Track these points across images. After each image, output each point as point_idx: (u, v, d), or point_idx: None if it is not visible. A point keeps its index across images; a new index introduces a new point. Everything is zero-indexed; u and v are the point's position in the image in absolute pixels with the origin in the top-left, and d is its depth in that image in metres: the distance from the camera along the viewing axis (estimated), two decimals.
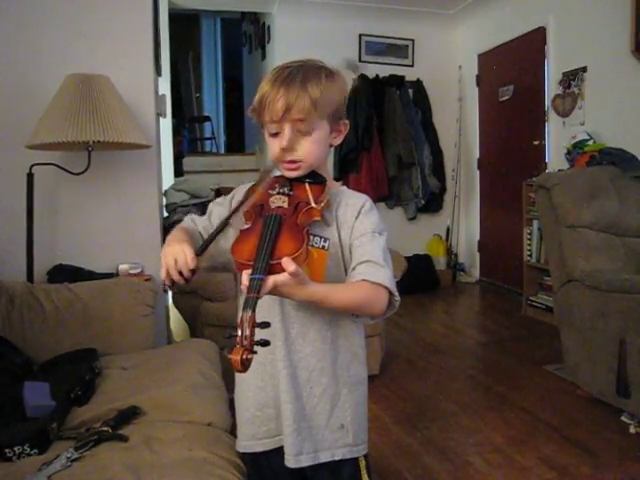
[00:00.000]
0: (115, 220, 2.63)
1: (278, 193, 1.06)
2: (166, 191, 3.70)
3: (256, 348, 0.82)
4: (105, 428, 1.44)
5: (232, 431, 1.58)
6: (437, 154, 5.63)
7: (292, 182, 1.09)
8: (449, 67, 5.76)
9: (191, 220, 1.21)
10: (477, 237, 5.69)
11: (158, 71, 3.10)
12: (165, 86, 4.48)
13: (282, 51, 5.24)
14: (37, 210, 2.33)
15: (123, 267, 2.57)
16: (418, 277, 5.06)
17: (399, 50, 5.61)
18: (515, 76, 5.00)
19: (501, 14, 5.10)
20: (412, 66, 5.63)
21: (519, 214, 4.48)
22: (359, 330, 1.16)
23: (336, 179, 1.11)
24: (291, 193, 1.05)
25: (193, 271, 0.99)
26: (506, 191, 5.14)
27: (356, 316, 1.06)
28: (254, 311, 0.83)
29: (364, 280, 1.00)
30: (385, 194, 5.39)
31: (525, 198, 4.33)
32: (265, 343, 0.82)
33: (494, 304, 4.92)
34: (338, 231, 1.09)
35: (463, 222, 5.82)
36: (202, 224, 1.19)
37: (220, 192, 3.79)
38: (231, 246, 0.98)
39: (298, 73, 1.04)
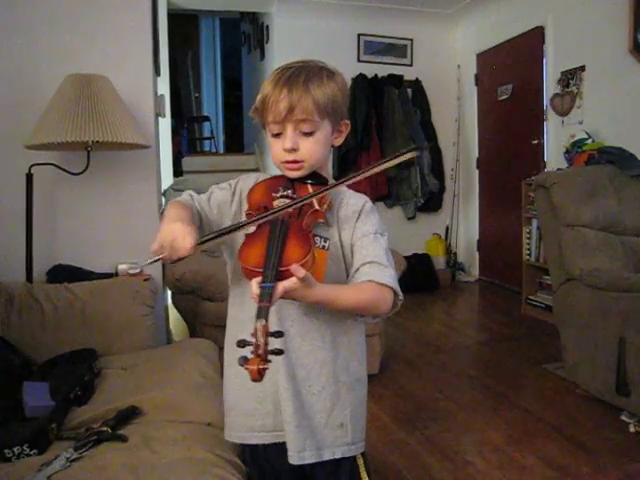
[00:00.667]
0: (114, 220, 2.63)
1: (282, 196, 1.06)
2: (165, 191, 3.70)
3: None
4: (104, 428, 1.43)
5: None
6: (436, 153, 5.64)
7: (294, 183, 1.09)
8: (448, 66, 5.76)
9: (190, 196, 1.17)
10: (476, 236, 5.69)
11: (157, 71, 3.10)
12: (164, 86, 4.47)
13: (281, 51, 5.25)
14: (36, 210, 2.33)
15: (122, 267, 2.57)
16: (417, 276, 5.07)
17: (398, 50, 5.61)
18: (514, 75, 5.00)
19: (500, 13, 5.10)
20: (411, 66, 5.63)
21: (518, 213, 4.48)
22: (359, 329, 1.16)
23: (336, 179, 1.10)
24: (295, 196, 1.05)
25: (185, 256, 0.96)
26: (505, 190, 5.14)
27: (360, 316, 1.06)
28: (267, 320, 0.83)
29: (370, 281, 1.01)
30: (384, 193, 5.39)
31: (524, 197, 4.33)
32: (279, 352, 0.83)
33: (493, 303, 4.92)
34: (339, 231, 1.10)
35: (462, 221, 5.82)
36: (200, 204, 1.15)
37: None
38: (238, 252, 0.98)
39: (300, 74, 1.05)
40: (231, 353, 1.15)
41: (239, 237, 1.06)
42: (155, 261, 0.97)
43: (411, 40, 5.62)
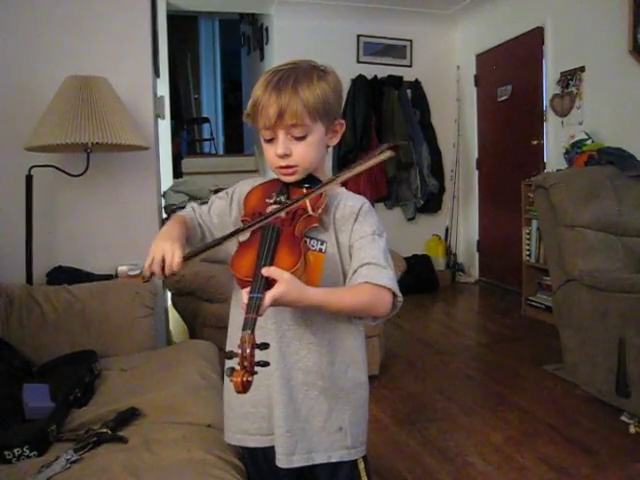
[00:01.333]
0: (114, 221, 2.63)
1: (275, 202, 1.05)
2: (165, 192, 3.70)
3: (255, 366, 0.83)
4: (104, 430, 1.43)
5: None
6: (436, 154, 5.64)
7: (289, 187, 1.08)
8: (447, 67, 5.76)
9: (192, 209, 1.20)
10: (476, 237, 5.69)
11: (156, 72, 3.10)
12: (163, 87, 4.48)
13: (280, 52, 5.25)
14: (36, 212, 2.33)
15: (122, 269, 2.57)
16: (417, 277, 5.07)
17: (397, 50, 5.62)
18: (513, 76, 5.00)
19: (499, 14, 5.10)
20: (410, 66, 5.64)
21: (518, 214, 4.48)
22: (358, 333, 1.15)
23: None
24: (288, 202, 1.04)
25: (175, 272, 1.01)
26: (505, 191, 5.14)
27: (359, 318, 1.05)
28: (253, 332, 0.83)
29: (367, 282, 1.00)
30: (384, 194, 5.39)
31: (524, 198, 4.33)
32: (265, 364, 0.83)
33: (493, 304, 4.92)
34: (336, 234, 1.09)
35: (462, 222, 5.82)
36: (202, 216, 1.19)
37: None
38: (230, 260, 0.98)
39: (289, 77, 1.04)
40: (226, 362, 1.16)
41: (233, 244, 1.08)
42: (150, 277, 1.02)
43: (410, 41, 5.63)
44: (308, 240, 1.05)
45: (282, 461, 1.08)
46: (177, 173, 5.63)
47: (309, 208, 1.02)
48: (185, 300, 2.96)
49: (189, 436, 1.45)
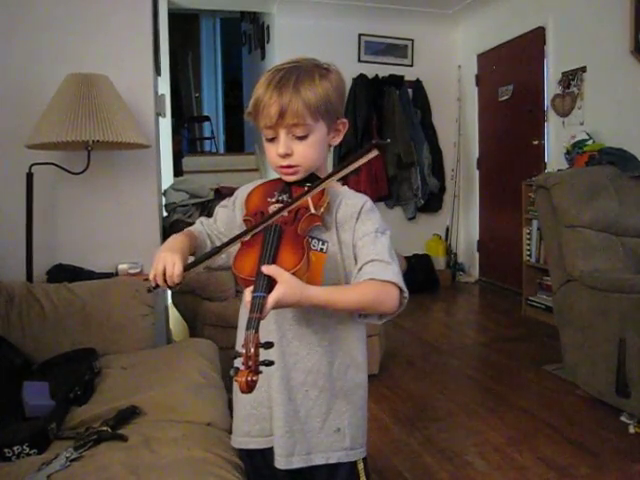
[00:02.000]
0: (114, 220, 2.63)
1: (277, 201, 1.05)
2: (165, 191, 3.70)
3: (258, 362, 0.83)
4: (104, 428, 1.43)
5: (231, 431, 1.58)
6: (436, 154, 5.64)
7: (291, 186, 1.08)
8: (448, 67, 5.76)
9: (200, 223, 1.23)
10: (476, 237, 5.69)
11: (157, 71, 3.10)
12: (164, 86, 4.48)
13: (281, 51, 5.25)
14: (36, 210, 2.33)
15: (122, 267, 2.57)
16: (417, 277, 5.07)
17: (398, 50, 5.61)
18: (514, 76, 5.00)
19: (500, 14, 5.10)
20: (411, 66, 5.63)
21: (518, 214, 4.48)
22: (359, 334, 1.15)
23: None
24: (290, 200, 1.03)
25: (178, 283, 1.03)
26: (505, 191, 5.14)
27: (364, 317, 1.04)
28: (257, 331, 0.83)
29: (372, 279, 0.99)
30: (384, 194, 5.39)
31: (524, 198, 4.33)
32: (270, 363, 0.83)
33: (493, 304, 4.92)
34: (337, 233, 1.08)
35: (462, 222, 5.82)
36: (210, 227, 1.22)
37: (219, 192, 3.78)
38: (233, 260, 0.98)
39: (291, 76, 1.02)
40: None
41: (233, 249, 1.09)
42: (155, 289, 1.05)
43: (412, 40, 5.62)
44: (310, 240, 1.04)
45: (281, 462, 1.08)
46: (178, 171, 5.63)
47: (311, 207, 1.02)
48: (185, 298, 2.97)
49: (189, 434, 1.45)
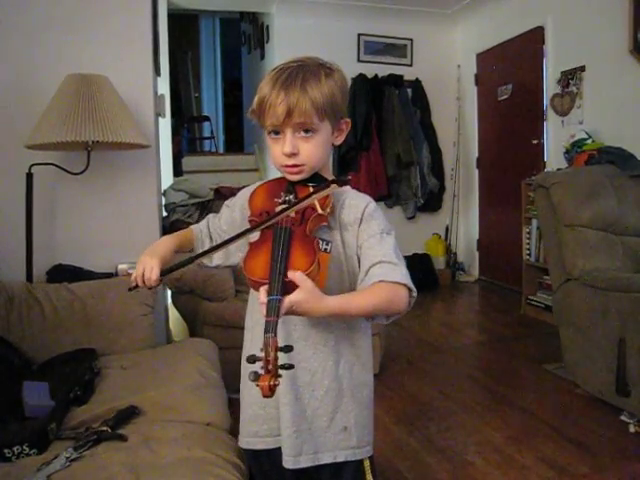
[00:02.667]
0: (114, 220, 2.63)
1: (284, 202, 1.04)
2: (165, 191, 3.70)
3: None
4: (104, 428, 1.43)
5: (231, 431, 1.59)
6: (436, 153, 5.64)
7: (295, 186, 1.07)
8: (448, 66, 5.76)
9: (207, 221, 1.26)
10: (476, 236, 5.69)
11: (157, 71, 3.10)
12: (164, 86, 4.47)
13: (281, 51, 5.24)
14: (36, 210, 2.33)
15: (122, 267, 2.57)
16: (417, 276, 5.06)
17: (398, 50, 5.61)
18: (514, 75, 5.00)
19: (499, 13, 5.10)
20: (411, 65, 5.63)
21: (518, 213, 4.48)
22: (363, 333, 1.15)
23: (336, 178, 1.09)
24: (296, 200, 1.03)
25: (155, 285, 1.09)
26: (505, 190, 5.14)
27: (372, 318, 1.04)
28: (276, 334, 0.83)
29: (382, 281, 0.98)
30: (384, 193, 5.39)
31: (524, 197, 4.33)
32: (290, 367, 0.83)
33: (493, 303, 4.92)
34: (341, 233, 1.08)
35: (462, 221, 5.82)
36: (214, 226, 1.24)
37: (219, 192, 3.78)
38: (243, 262, 0.98)
39: (298, 75, 1.02)
40: (242, 365, 1.18)
41: (230, 250, 1.13)
42: (134, 288, 1.12)
43: (411, 40, 5.62)
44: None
45: (289, 462, 1.09)
46: (177, 171, 5.63)
47: (318, 207, 1.01)
48: (185, 298, 2.96)
49: (189, 434, 1.45)
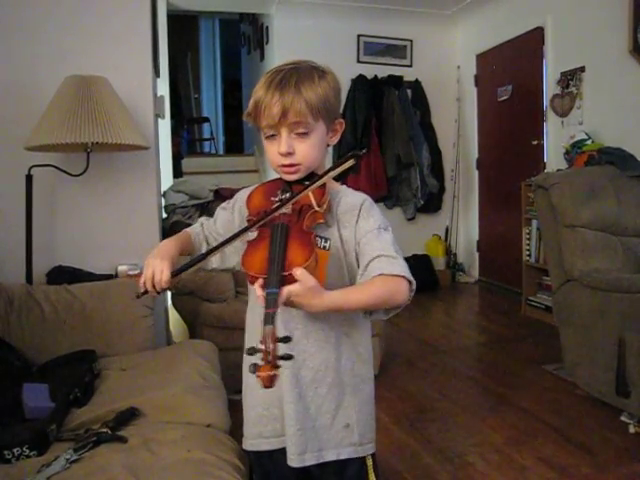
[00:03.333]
0: (114, 221, 2.63)
1: (280, 200, 1.06)
2: (165, 192, 3.70)
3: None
4: (104, 429, 1.44)
5: (231, 432, 1.59)
6: (436, 154, 5.63)
7: (292, 186, 1.09)
8: (447, 67, 5.76)
9: (201, 224, 1.24)
10: (476, 237, 5.69)
11: (157, 72, 3.10)
12: (164, 87, 4.48)
13: (281, 52, 5.24)
14: (36, 211, 2.33)
15: (122, 268, 2.57)
16: (417, 277, 4.96)
17: (397, 50, 5.61)
18: (513, 76, 5.00)
19: (499, 14, 5.10)
20: (410, 66, 5.63)
21: (518, 214, 4.48)
22: (363, 329, 1.16)
23: (335, 179, 1.11)
24: (290, 195, 1.05)
25: (166, 288, 1.04)
26: (505, 191, 5.14)
27: (370, 313, 1.04)
28: (275, 325, 0.83)
29: (381, 274, 0.99)
30: (384, 194, 5.39)
31: (524, 198, 4.33)
32: (289, 357, 0.83)
33: (493, 304, 4.92)
34: (339, 231, 1.09)
35: (462, 222, 5.82)
36: (209, 229, 1.23)
37: (219, 193, 3.79)
38: (241, 258, 0.99)
39: (292, 76, 1.04)
40: (244, 362, 1.17)
41: (226, 252, 1.12)
42: (143, 294, 1.06)
43: (411, 41, 5.62)
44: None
45: (294, 461, 1.09)
46: (177, 173, 5.64)
47: (314, 203, 1.03)
48: (185, 300, 2.96)
49: (189, 436, 1.45)
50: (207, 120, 8.07)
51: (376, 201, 1.19)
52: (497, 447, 2.29)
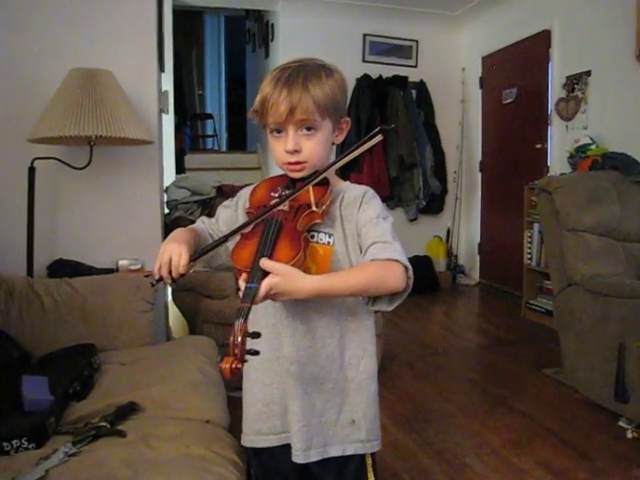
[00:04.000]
0: (116, 216, 2.63)
1: (280, 196, 1.06)
2: (167, 188, 3.70)
3: (257, 347, 0.84)
4: (103, 423, 1.43)
5: (230, 428, 1.58)
6: (439, 155, 5.63)
7: (295, 183, 1.09)
8: (453, 69, 5.75)
9: (202, 222, 1.24)
10: (477, 239, 5.69)
11: (161, 67, 3.09)
12: (168, 82, 4.47)
13: (286, 50, 5.24)
14: (38, 204, 2.33)
15: (123, 263, 2.57)
16: (417, 278, 5.01)
17: (403, 51, 5.61)
18: (519, 79, 4.99)
19: (506, 17, 5.09)
20: (416, 67, 5.63)
21: (520, 217, 4.47)
22: (369, 325, 1.15)
23: (340, 173, 1.11)
24: (289, 192, 1.05)
25: (182, 274, 1.01)
26: (507, 194, 5.13)
27: (373, 303, 1.03)
28: (246, 320, 0.84)
29: (373, 260, 1.00)
30: (386, 195, 5.38)
31: (526, 201, 4.33)
32: (255, 353, 0.83)
33: (493, 307, 4.91)
34: (342, 226, 1.09)
35: (464, 224, 5.82)
36: (212, 226, 1.22)
37: (221, 189, 3.78)
38: (231, 251, 0.99)
39: (299, 74, 1.04)
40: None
41: (220, 251, 1.10)
42: (158, 282, 1.02)
43: (416, 41, 5.62)
44: (316, 234, 1.07)
45: (299, 457, 1.08)
46: (180, 169, 5.64)
47: (313, 204, 1.03)
48: (185, 296, 2.96)
49: (188, 431, 1.45)
50: (211, 116, 8.07)
51: None
52: (495, 450, 2.29)
